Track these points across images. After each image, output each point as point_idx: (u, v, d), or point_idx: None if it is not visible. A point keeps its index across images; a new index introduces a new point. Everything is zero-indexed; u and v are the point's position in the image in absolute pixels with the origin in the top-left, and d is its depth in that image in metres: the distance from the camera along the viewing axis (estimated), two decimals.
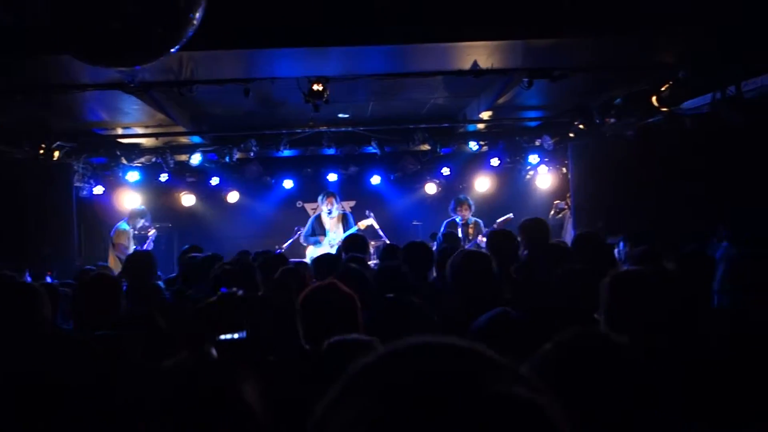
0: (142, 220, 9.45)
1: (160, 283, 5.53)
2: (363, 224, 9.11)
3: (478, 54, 5.76)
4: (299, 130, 9.35)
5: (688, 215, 7.48)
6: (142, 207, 9.76)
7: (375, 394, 0.61)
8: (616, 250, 5.69)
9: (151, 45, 2.05)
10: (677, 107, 6.82)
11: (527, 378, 0.64)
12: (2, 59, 5.10)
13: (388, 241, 8.53)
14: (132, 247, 9.08)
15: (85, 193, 10.04)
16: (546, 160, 10.88)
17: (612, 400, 1.15)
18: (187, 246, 6.78)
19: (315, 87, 6.11)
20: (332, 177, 11.60)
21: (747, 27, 5.06)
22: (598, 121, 8.09)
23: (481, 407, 0.58)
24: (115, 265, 8.58)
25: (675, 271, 3.37)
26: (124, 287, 4.33)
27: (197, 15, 2.01)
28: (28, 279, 6.33)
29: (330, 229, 8.94)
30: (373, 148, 10.26)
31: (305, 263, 6.86)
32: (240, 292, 1.39)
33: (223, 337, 1.20)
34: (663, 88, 6.69)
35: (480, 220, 9.14)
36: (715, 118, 6.54)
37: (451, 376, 0.61)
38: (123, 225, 9.29)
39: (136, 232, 9.37)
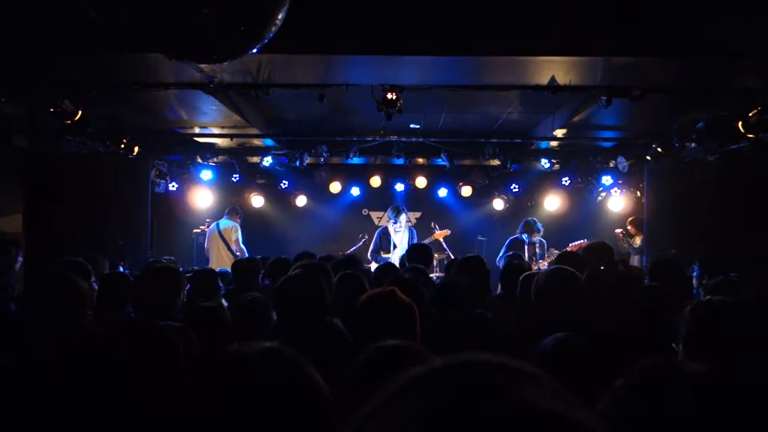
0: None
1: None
2: (439, 234, 9.10)
3: (557, 69, 5.64)
4: (370, 138, 9.40)
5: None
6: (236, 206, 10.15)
7: (417, 408, 0.59)
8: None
9: (234, 43, 2.09)
10: (765, 134, 6.48)
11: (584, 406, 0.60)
12: (92, 56, 5.33)
13: (452, 256, 8.44)
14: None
15: (160, 188, 10.37)
16: (620, 182, 10.58)
17: None
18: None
19: (389, 96, 6.10)
20: (399, 187, 11.61)
21: None
22: (677, 144, 7.79)
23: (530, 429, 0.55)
24: (225, 262, 8.84)
25: (758, 302, 3.18)
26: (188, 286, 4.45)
27: (280, 15, 2.04)
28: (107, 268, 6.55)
29: (397, 243, 8.93)
30: (442, 161, 10.21)
31: (368, 270, 6.88)
32: None
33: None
34: (750, 114, 6.37)
35: (545, 241, 8.94)
36: None
37: (497, 396, 0.59)
38: (232, 222, 9.64)
39: None
